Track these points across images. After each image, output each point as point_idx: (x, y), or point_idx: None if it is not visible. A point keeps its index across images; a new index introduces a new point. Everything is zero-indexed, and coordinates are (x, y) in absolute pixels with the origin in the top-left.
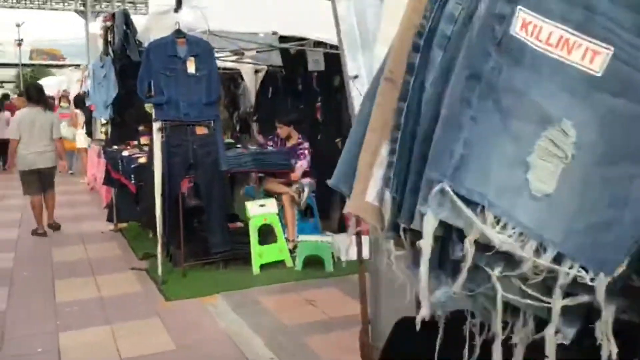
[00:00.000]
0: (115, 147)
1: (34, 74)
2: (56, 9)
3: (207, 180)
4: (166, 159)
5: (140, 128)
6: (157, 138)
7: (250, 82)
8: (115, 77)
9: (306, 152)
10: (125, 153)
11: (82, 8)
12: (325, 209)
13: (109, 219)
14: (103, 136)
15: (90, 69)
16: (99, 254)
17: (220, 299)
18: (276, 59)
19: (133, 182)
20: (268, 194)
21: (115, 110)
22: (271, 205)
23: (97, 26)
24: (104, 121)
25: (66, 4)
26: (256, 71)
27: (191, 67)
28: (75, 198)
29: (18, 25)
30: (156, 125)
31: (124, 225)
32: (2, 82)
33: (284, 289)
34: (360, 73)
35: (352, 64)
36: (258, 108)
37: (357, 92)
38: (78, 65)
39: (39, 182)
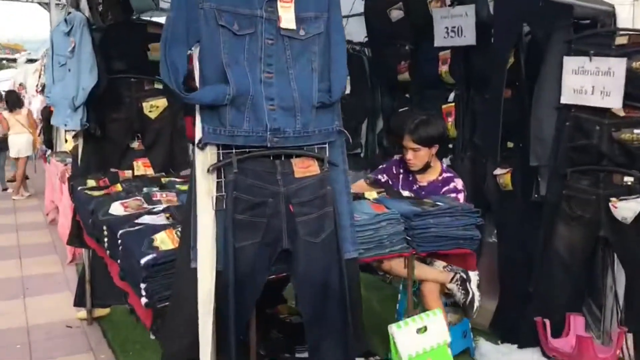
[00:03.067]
0: (92, 183)
1: None
2: (18, 0)
3: (322, 283)
4: (230, 241)
5: (134, 145)
6: (204, 185)
7: None
8: (92, 52)
9: (461, 196)
10: (117, 210)
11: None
12: None
13: (79, 302)
14: (68, 147)
15: (48, 44)
16: None
17: None
18: (356, 30)
19: (145, 297)
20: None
21: (93, 114)
22: (438, 326)
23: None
24: (65, 128)
25: None
26: None
27: (288, 18)
28: (25, 238)
29: None
30: (202, 158)
31: (104, 312)
32: None
33: None
34: None
35: None
36: None
37: None
38: (32, 61)
39: None
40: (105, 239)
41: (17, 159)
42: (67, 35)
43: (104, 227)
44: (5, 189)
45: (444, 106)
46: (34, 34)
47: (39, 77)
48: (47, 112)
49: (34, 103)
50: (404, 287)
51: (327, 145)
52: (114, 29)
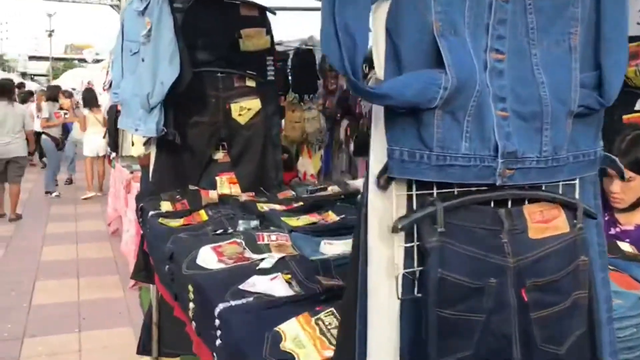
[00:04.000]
0: (167, 206)
1: (66, 68)
2: (90, 3)
3: None
4: (432, 356)
5: (219, 156)
6: (382, 254)
7: None
8: (174, 37)
9: None
10: (207, 259)
11: (117, 2)
12: None
13: (143, 350)
14: (135, 151)
15: (119, 27)
16: None
17: None
18: None
19: None
20: None
21: (172, 116)
22: None
23: None
24: (136, 133)
25: None
26: None
27: None
28: (84, 251)
29: (49, 15)
30: (381, 204)
31: None
32: (35, 75)
33: None
34: None
35: None
36: None
37: None
38: (98, 61)
39: (5, 171)
40: (191, 306)
41: (94, 158)
42: (142, 15)
43: (190, 288)
44: (48, 192)
45: (626, 116)
46: (105, 37)
47: (107, 74)
48: (113, 111)
49: (102, 101)
50: None
51: (577, 182)
52: (197, 9)
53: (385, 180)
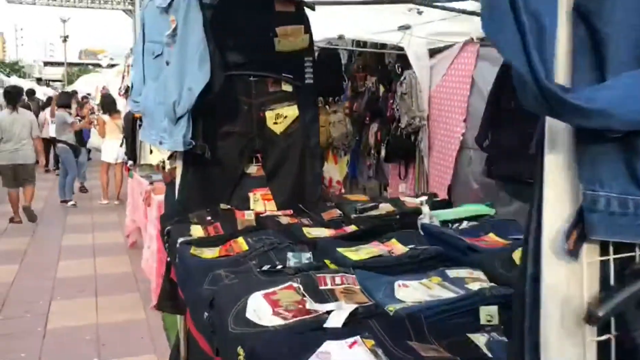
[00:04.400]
0: (197, 231)
1: (81, 73)
2: (104, 8)
3: None
4: None
5: (252, 170)
6: (564, 354)
7: (423, 71)
8: (204, 37)
9: None
10: (261, 313)
11: (130, 7)
12: None
13: None
14: (154, 159)
15: (139, 22)
16: None
17: None
18: None
19: None
20: None
21: (201, 127)
22: None
23: None
24: (160, 147)
25: (114, 2)
26: (437, 51)
27: None
28: (102, 266)
29: (64, 21)
30: (564, 279)
31: None
32: (51, 80)
33: None
34: None
35: None
36: (491, 126)
37: None
38: (113, 66)
39: (15, 177)
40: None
41: (110, 164)
42: (166, 12)
43: (240, 351)
44: (64, 201)
45: None
46: (118, 42)
47: (123, 79)
48: (130, 118)
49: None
50: None
51: None
52: (228, 4)
53: (576, 242)
